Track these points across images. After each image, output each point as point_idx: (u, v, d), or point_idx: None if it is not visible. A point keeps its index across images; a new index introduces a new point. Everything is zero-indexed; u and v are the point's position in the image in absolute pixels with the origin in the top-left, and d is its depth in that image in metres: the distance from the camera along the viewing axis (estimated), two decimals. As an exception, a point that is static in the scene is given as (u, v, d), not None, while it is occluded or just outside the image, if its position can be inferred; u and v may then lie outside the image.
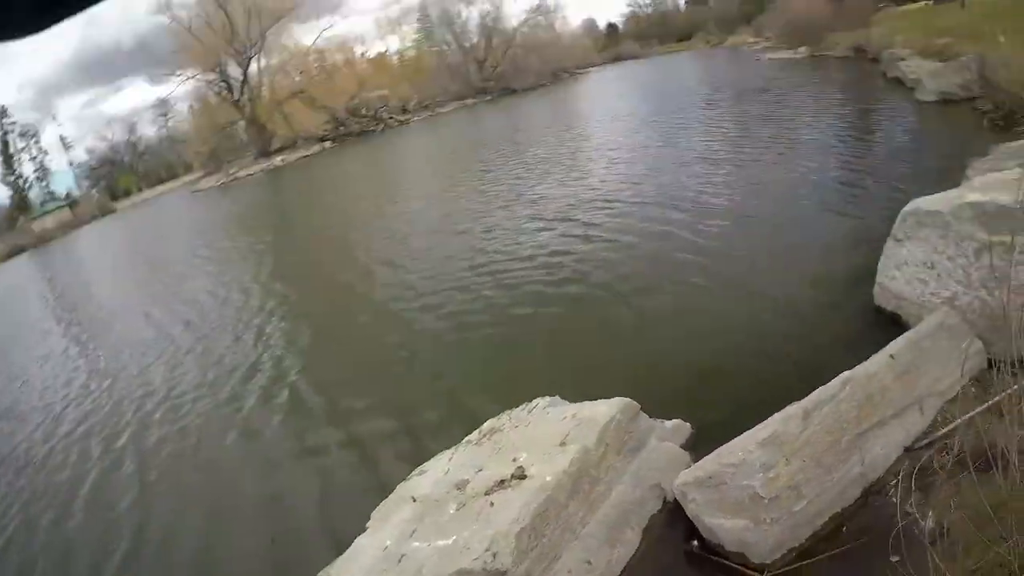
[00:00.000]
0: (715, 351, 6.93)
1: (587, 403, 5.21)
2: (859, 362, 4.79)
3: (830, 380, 4.60)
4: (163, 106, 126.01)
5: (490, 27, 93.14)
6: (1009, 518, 3.30)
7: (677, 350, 7.20)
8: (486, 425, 5.52)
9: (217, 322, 14.17)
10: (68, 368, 14.33)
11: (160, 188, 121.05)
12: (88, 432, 10.26)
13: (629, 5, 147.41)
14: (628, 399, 5.14)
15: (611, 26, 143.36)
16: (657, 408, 5.45)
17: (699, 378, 6.45)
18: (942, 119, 15.55)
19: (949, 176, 8.62)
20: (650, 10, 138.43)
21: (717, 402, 5.87)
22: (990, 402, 4.16)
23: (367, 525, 5.07)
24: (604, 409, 4.98)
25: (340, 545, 5.00)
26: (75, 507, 8.04)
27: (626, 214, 13.04)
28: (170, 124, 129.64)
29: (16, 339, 20.00)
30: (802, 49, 43.46)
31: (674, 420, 5.42)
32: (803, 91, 25.14)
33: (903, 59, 23.38)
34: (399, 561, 4.40)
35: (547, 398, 5.60)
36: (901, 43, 27.95)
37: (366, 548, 4.74)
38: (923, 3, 69.09)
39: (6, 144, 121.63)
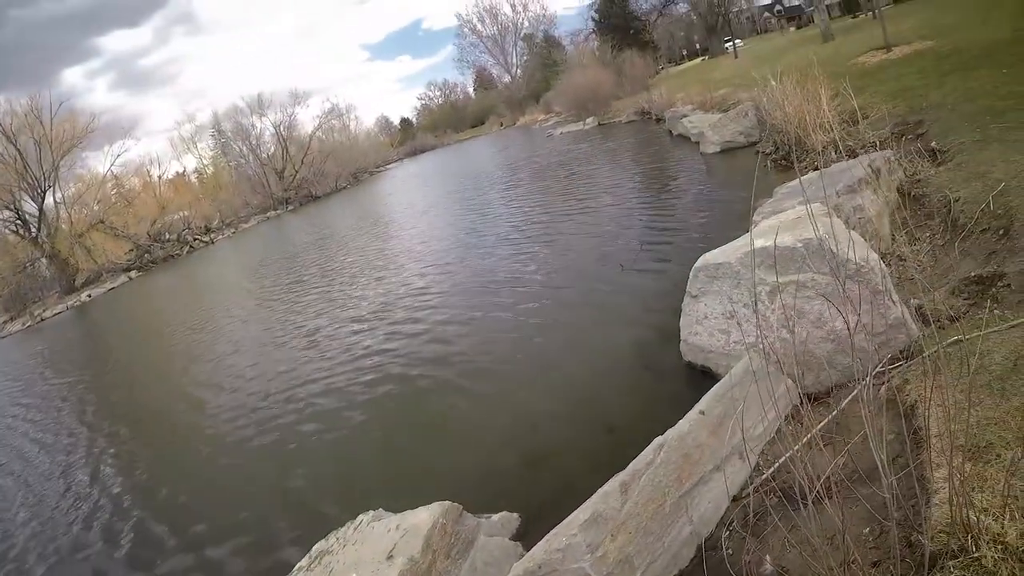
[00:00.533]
0: (534, 434, 6.92)
1: (408, 512, 5.07)
2: (676, 422, 4.81)
3: (647, 444, 4.61)
4: None
5: (285, 136, 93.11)
6: (841, 544, 3.42)
7: (496, 439, 7.14)
8: (315, 549, 5.30)
9: (46, 469, 13.28)
10: None
11: None
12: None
13: (420, 98, 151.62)
14: (449, 502, 5.03)
15: (405, 121, 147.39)
16: (483, 503, 5.37)
17: (521, 465, 6.39)
18: (728, 168, 16.47)
19: (741, 221, 9.04)
20: (440, 100, 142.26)
21: (542, 487, 5.82)
22: (806, 437, 4.24)
23: None
24: (425, 516, 4.86)
25: None
26: None
27: (440, 305, 13.09)
28: None
29: None
30: (590, 120, 45.39)
31: (500, 513, 5.35)
32: (596, 160, 26.17)
33: (685, 115, 24.59)
34: None
35: (371, 512, 5.41)
36: (681, 100, 29.55)
37: None
38: (699, 59, 73.63)
39: None
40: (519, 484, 5.99)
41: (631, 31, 74.11)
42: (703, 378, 6.26)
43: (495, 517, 5.29)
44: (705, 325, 6.45)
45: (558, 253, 13.73)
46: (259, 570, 6.18)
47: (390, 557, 4.57)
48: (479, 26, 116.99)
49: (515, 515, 5.36)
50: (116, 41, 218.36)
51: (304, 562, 5.22)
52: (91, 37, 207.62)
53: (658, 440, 4.62)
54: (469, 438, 7.45)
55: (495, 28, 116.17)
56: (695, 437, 4.72)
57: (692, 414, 4.89)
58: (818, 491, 3.53)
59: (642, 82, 50.51)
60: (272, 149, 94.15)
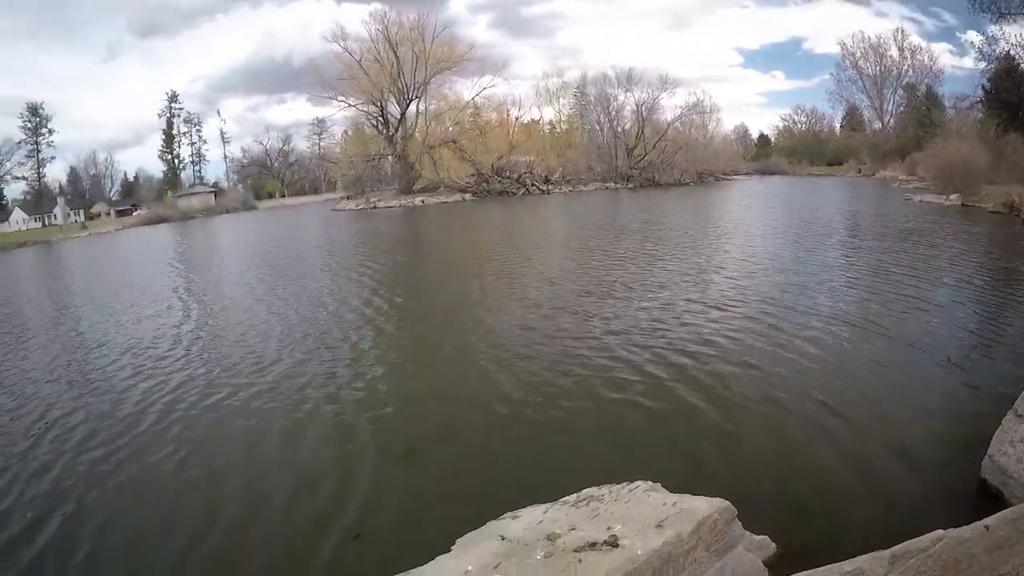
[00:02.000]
0: (813, 476, 7.01)
1: (688, 495, 5.47)
2: (951, 526, 4.80)
3: (916, 534, 4.67)
4: (320, 126, 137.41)
5: (644, 117, 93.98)
6: None
7: (775, 466, 7.35)
8: (585, 492, 5.75)
9: (337, 324, 15.53)
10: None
11: (302, 199, 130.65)
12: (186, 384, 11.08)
13: (783, 119, 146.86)
14: (728, 502, 5.35)
15: (763, 137, 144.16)
16: (746, 519, 5.58)
17: (792, 500, 6.55)
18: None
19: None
20: (803, 128, 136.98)
21: (804, 528, 5.97)
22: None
23: (451, 547, 5.29)
24: (704, 505, 5.22)
25: (420, 556, 5.26)
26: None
27: (752, 320, 13.41)
28: (322, 143, 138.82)
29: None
30: (953, 196, 42.12)
31: (762, 536, 5.55)
32: (950, 240, 24.65)
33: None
34: (479, 587, 4.69)
35: (648, 482, 5.81)
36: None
37: (447, 567, 5.00)
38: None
39: (170, 125, 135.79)
40: (783, 516, 6.14)
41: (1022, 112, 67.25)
42: (993, 501, 6.04)
43: (757, 537, 5.50)
44: (1018, 448, 6.18)
45: (883, 320, 13.24)
46: (516, 494, 6.53)
47: (659, 526, 4.96)
48: (861, 62, 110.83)
49: (774, 544, 5.52)
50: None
51: (571, 498, 5.72)
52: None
53: (938, 533, 4.63)
54: (747, 453, 7.71)
55: (877, 68, 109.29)
56: (971, 548, 4.64)
57: (977, 525, 4.80)
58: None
59: (1022, 172, 46.55)
60: (628, 125, 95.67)
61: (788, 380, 9.94)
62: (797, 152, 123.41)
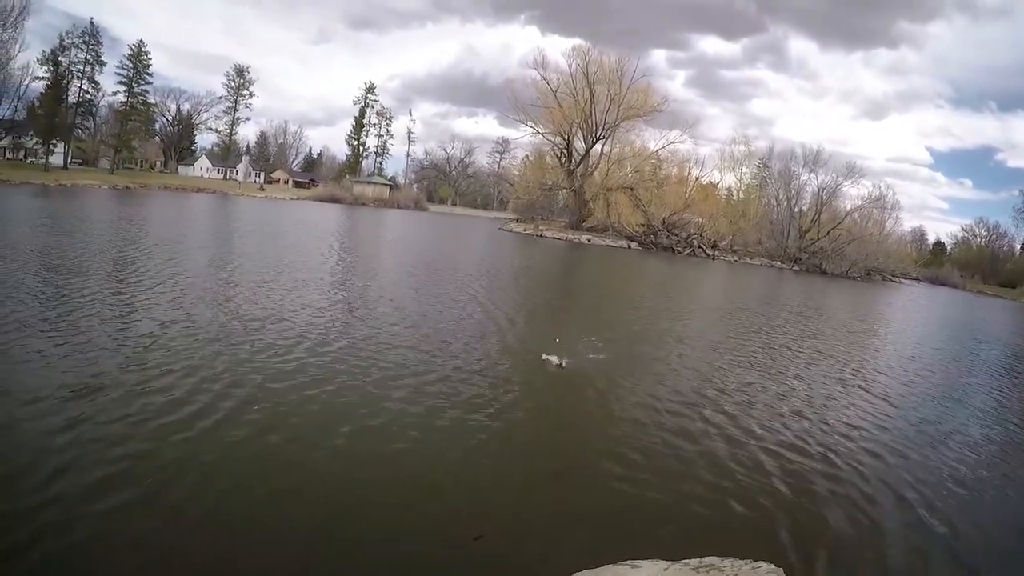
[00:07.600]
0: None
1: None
2: None
3: None
4: (503, 145, 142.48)
5: (824, 200, 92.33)
6: None
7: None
8: (707, 559, 6.00)
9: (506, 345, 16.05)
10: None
11: (471, 211, 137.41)
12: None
13: (964, 230, 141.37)
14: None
15: (938, 244, 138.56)
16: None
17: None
18: None
19: None
20: (983, 242, 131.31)
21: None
22: None
23: (571, 577, 5.64)
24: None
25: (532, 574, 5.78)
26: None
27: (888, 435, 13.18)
28: (503, 163, 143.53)
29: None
30: None
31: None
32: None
33: None
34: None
35: (771, 565, 5.96)
36: None
37: (564, 593, 5.32)
38: None
39: (363, 113, 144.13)
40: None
41: None
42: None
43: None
44: None
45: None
46: (638, 545, 6.87)
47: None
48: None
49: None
50: (708, 44, 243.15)
51: (693, 561, 6.02)
52: (687, 32, 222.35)
53: None
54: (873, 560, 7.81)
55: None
56: None
57: None
58: None
59: None
60: (806, 206, 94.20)
61: (926, 504, 9.82)
62: (971, 267, 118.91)
